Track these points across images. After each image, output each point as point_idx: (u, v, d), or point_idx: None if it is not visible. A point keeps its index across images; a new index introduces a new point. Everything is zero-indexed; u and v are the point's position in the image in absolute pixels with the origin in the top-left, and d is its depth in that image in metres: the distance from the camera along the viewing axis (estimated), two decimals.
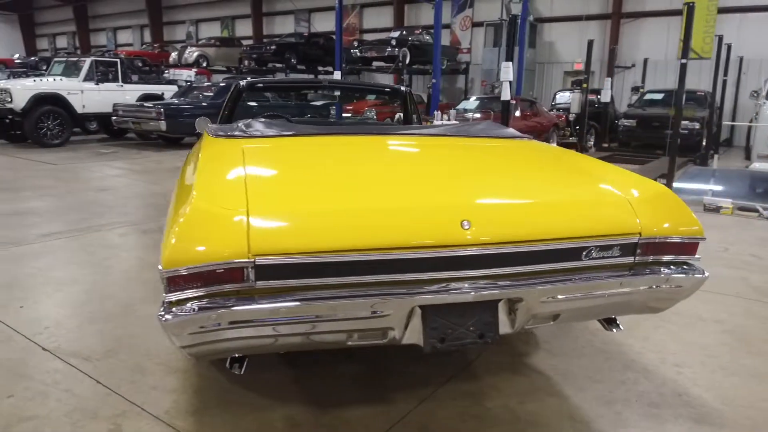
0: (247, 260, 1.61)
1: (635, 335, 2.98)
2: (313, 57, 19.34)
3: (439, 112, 10.22)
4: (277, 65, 19.27)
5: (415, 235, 1.76)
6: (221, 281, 1.62)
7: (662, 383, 2.52)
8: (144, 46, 28.07)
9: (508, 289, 1.84)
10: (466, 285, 1.80)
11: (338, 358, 2.66)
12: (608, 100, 12.03)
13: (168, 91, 13.34)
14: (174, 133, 11.29)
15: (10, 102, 10.82)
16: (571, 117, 12.71)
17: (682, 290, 2.09)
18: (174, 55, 22.28)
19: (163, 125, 10.83)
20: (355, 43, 17.64)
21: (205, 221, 1.67)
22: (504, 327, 1.94)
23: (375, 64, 18.07)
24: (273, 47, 18.64)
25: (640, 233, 1.98)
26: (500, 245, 1.82)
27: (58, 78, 11.65)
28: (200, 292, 1.61)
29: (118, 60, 12.51)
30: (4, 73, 18.17)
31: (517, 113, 10.96)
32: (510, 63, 8.95)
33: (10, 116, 11.03)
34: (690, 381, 2.55)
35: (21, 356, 2.65)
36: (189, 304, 1.60)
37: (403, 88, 4.34)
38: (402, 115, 4.47)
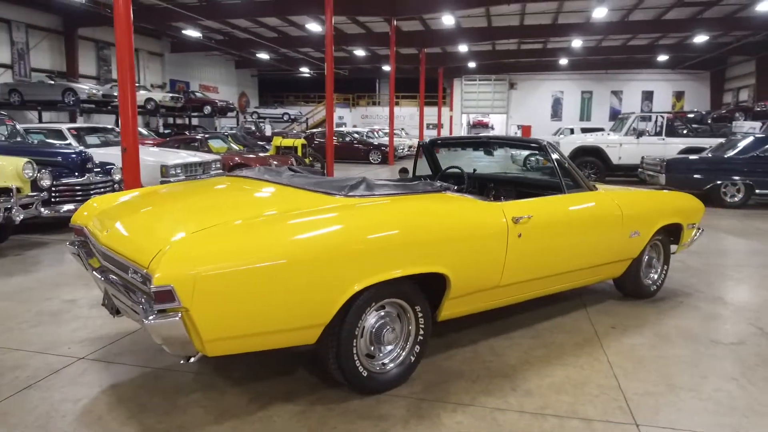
0: (80, 226, 3.24)
1: None
2: None
3: None
4: None
5: (98, 231, 2.88)
6: (82, 235, 3.31)
7: None
8: None
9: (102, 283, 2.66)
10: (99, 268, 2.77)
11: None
12: None
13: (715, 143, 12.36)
14: (673, 186, 10.69)
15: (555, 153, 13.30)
16: None
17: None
18: None
19: (662, 179, 10.53)
20: None
21: (88, 205, 3.38)
22: None
23: None
24: None
25: (146, 268, 2.20)
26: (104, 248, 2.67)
27: (604, 133, 13.18)
28: (80, 238, 3.36)
29: (656, 115, 12.70)
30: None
31: None
32: None
33: None
34: None
35: None
36: (72, 242, 3.38)
37: (544, 142, 3.96)
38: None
